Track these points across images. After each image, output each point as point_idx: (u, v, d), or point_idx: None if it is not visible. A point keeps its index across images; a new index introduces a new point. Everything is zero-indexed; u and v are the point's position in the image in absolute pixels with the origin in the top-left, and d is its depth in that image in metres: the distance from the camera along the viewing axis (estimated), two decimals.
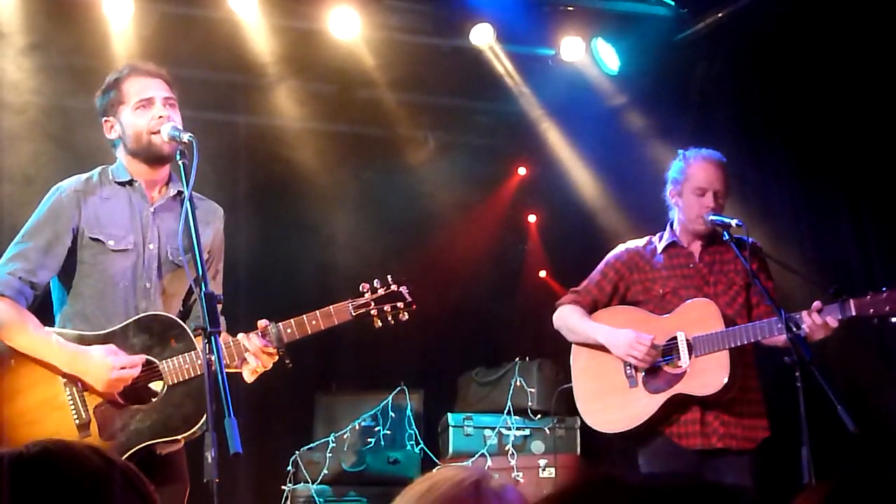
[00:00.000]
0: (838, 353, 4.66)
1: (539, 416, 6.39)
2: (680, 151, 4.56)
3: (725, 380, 4.22)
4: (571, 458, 6.25)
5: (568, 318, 4.56)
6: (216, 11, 5.81)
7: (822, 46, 5.65)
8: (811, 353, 3.96)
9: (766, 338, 4.21)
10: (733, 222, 4.32)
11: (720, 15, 6.12)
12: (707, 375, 4.27)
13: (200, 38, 5.99)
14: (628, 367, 4.41)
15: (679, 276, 4.48)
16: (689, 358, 4.31)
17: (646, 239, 4.62)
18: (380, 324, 3.66)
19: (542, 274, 7.57)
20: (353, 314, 3.62)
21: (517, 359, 6.59)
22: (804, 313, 4.12)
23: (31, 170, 5.65)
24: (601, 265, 4.60)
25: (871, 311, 4.08)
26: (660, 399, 4.33)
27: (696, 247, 4.52)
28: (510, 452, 6.25)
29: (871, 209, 5.69)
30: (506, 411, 6.39)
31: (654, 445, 4.36)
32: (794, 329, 4.02)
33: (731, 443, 4.33)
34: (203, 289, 3.08)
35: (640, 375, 4.39)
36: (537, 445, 6.31)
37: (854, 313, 4.08)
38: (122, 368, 3.47)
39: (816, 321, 4.10)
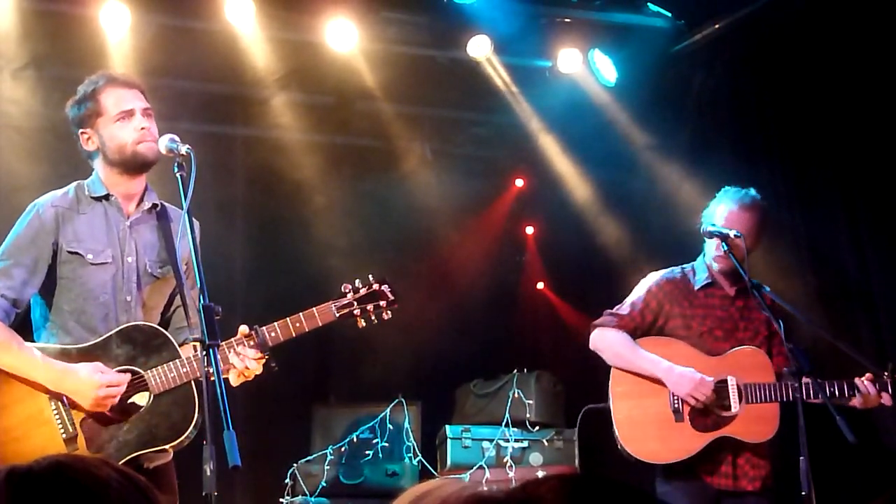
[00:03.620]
0: (836, 364, 4.66)
1: (537, 427, 6.37)
2: (723, 189, 4.58)
3: (775, 431, 4.36)
4: (570, 470, 6.22)
5: (617, 344, 4.54)
6: (213, 23, 5.80)
7: (820, 57, 5.66)
8: (809, 364, 3.98)
9: (810, 398, 4.22)
10: (731, 233, 4.34)
11: (717, 26, 6.13)
12: (758, 424, 4.38)
13: (198, 50, 5.98)
14: (675, 401, 4.43)
15: (715, 317, 4.54)
16: (740, 403, 4.36)
17: (679, 270, 4.66)
18: (363, 324, 3.62)
19: (540, 285, 7.56)
20: (337, 315, 3.58)
21: (515, 370, 6.57)
22: (857, 381, 4.28)
23: (33, 185, 5.62)
24: (642, 293, 4.61)
25: None
26: (707, 438, 4.39)
27: (731, 290, 4.57)
28: (508, 464, 6.23)
29: (869, 219, 5.69)
30: (504, 423, 6.38)
31: (683, 481, 4.41)
32: (824, 395, 4.09)
33: (757, 484, 4.43)
34: (202, 301, 3.06)
35: (688, 411, 4.42)
36: (535, 457, 6.29)
37: None
38: (108, 386, 3.45)
39: (871, 391, 4.27)
